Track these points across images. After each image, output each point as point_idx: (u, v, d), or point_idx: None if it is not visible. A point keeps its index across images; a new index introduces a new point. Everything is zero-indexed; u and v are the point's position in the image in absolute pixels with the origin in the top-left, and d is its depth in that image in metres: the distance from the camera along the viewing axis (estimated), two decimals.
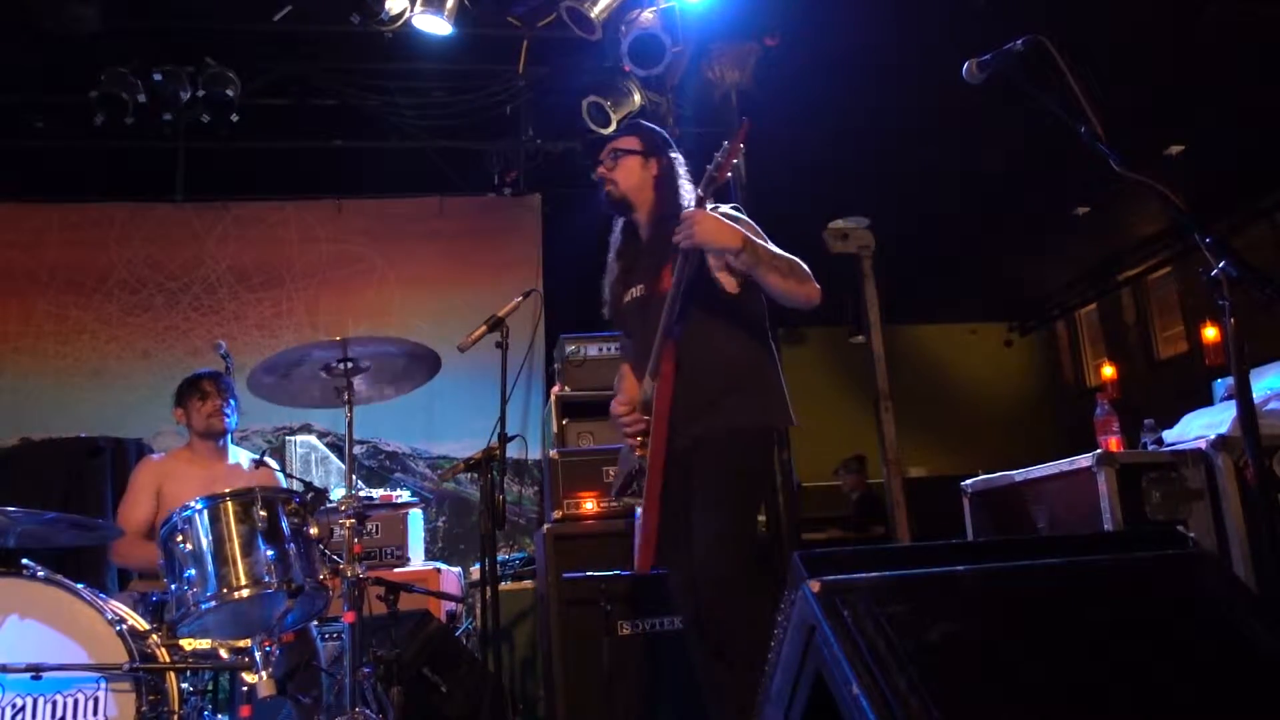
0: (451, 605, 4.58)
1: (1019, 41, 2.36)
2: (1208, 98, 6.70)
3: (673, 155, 3.02)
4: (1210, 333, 9.13)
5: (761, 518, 5.43)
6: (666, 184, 2.96)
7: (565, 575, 3.78)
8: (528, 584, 4.84)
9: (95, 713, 2.61)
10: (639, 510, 2.85)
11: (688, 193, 2.94)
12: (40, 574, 2.70)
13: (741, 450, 2.83)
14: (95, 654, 2.64)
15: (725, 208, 2.91)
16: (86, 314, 6.65)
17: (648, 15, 5.13)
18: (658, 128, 3.18)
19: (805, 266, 2.83)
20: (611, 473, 4.13)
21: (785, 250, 2.86)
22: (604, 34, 5.24)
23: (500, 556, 4.45)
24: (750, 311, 2.94)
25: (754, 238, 2.78)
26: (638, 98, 5.79)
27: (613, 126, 5.78)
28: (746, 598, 2.72)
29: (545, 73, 6.10)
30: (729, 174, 2.75)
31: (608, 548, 3.89)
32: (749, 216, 2.94)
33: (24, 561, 2.74)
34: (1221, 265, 1.97)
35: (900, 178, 7.45)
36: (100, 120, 5.60)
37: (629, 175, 2.99)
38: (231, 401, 3.86)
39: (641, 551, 2.76)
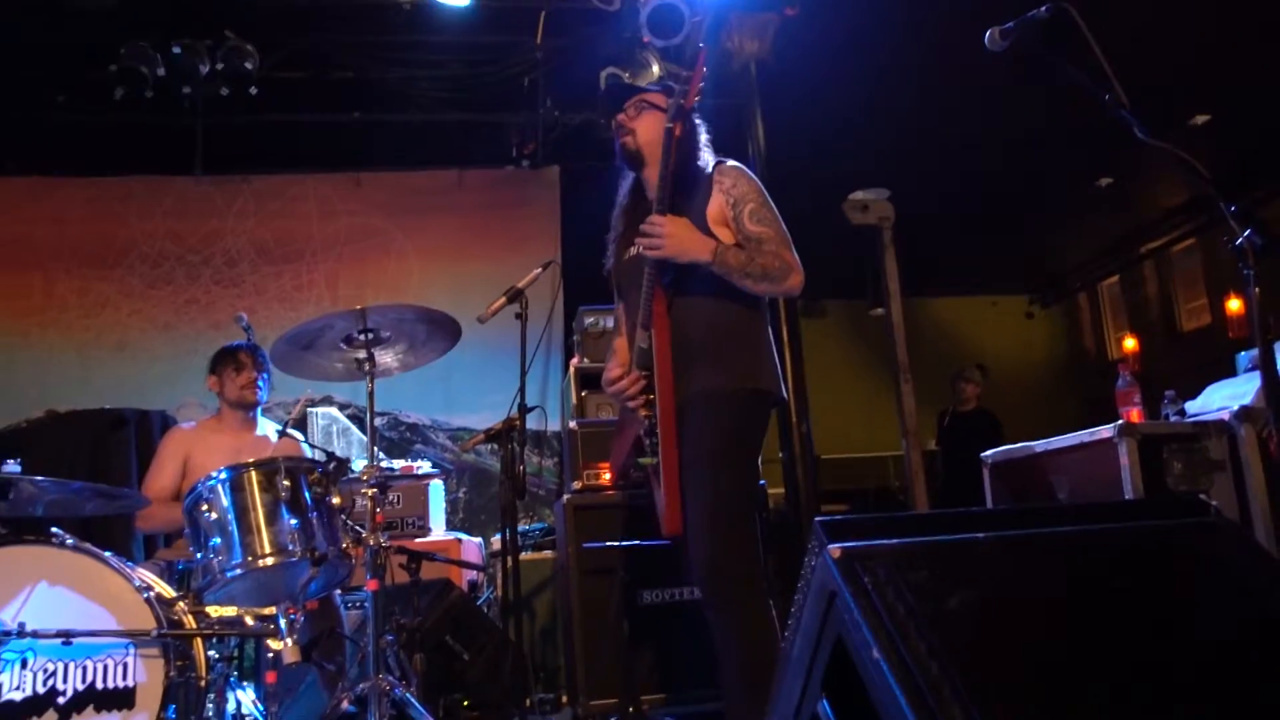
0: (473, 575, 4.62)
1: (1042, 8, 2.33)
2: (1234, 66, 6.60)
3: (697, 121, 2.96)
4: (1234, 305, 9.04)
5: (779, 489, 5.45)
6: (684, 145, 2.85)
7: (585, 545, 3.81)
8: (548, 554, 4.88)
9: (124, 678, 2.66)
10: (654, 477, 2.81)
11: (706, 163, 2.91)
12: (69, 542, 2.75)
13: (729, 412, 2.75)
14: (124, 620, 2.68)
15: (731, 163, 2.89)
16: (109, 287, 6.71)
17: None
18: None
19: (784, 261, 2.76)
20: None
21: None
22: (622, 4, 5.21)
23: (520, 527, 4.48)
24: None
25: (729, 250, 2.74)
26: (656, 68, 5.75)
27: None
28: (734, 581, 2.64)
29: (563, 44, 6.07)
30: (696, 98, 2.76)
31: (627, 518, 3.91)
32: (764, 185, 2.93)
33: (53, 530, 2.78)
34: (1246, 234, 1.95)
35: (921, 149, 7.39)
36: (120, 94, 5.63)
37: (649, 129, 2.90)
38: (265, 375, 3.90)
39: (669, 512, 2.68)
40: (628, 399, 2.85)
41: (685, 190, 2.81)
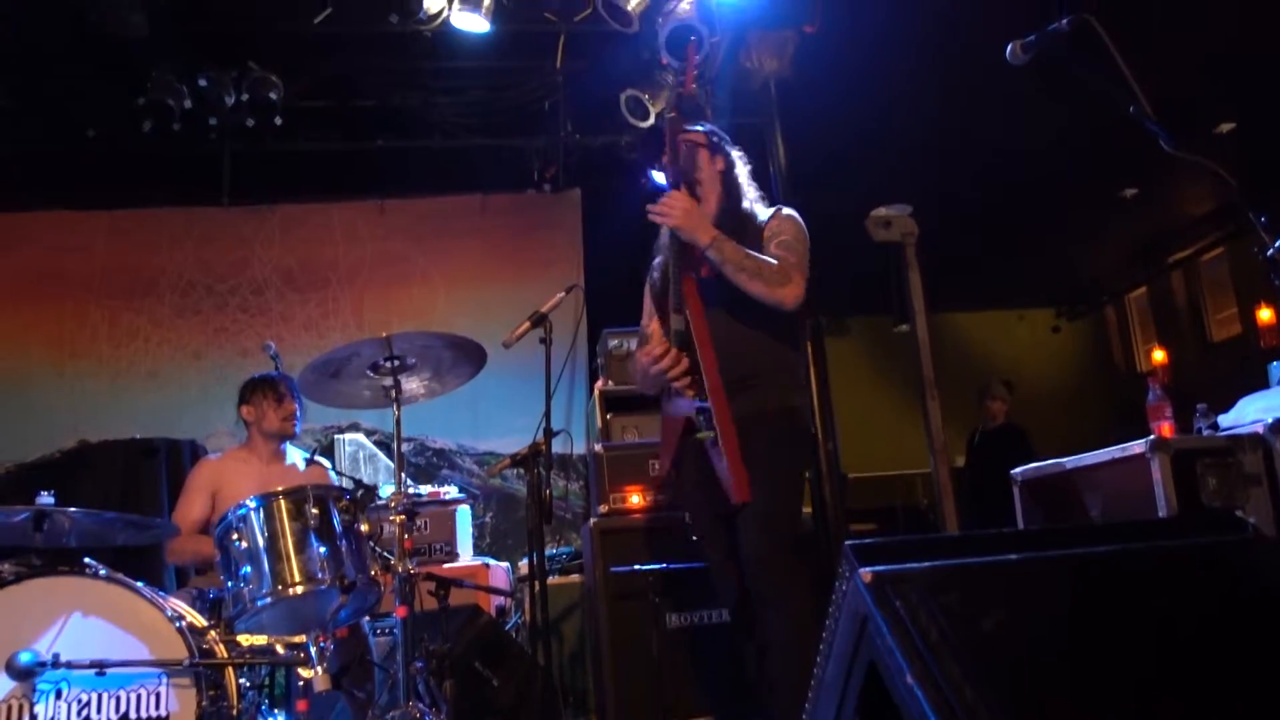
0: (501, 600, 4.62)
1: (1064, 20, 2.32)
2: (1259, 73, 6.54)
3: (735, 153, 3.11)
4: (1265, 314, 8.92)
5: (807, 509, 5.42)
6: (731, 182, 3.05)
7: (613, 569, 3.80)
8: (575, 578, 4.86)
9: (157, 707, 2.67)
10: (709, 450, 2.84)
11: (750, 190, 3.06)
12: (102, 573, 2.77)
13: (781, 429, 2.88)
14: (156, 650, 2.70)
15: (787, 211, 3.01)
16: (139, 317, 6.79)
17: (684, 6, 5.10)
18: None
19: (783, 271, 2.85)
20: (658, 466, 4.13)
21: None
22: (641, 26, 5.23)
23: (548, 551, 4.48)
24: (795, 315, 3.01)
25: (726, 242, 2.83)
26: None
27: (651, 119, 5.77)
28: (788, 582, 2.75)
29: (582, 67, 6.10)
30: (694, 87, 2.95)
31: (654, 541, 3.90)
32: (785, 202, 2.98)
33: (86, 560, 2.80)
34: (1278, 244, 1.93)
35: (943, 163, 7.36)
36: (148, 126, 5.71)
37: (698, 165, 3.05)
38: (301, 406, 3.92)
39: (736, 480, 2.70)
40: (672, 377, 2.86)
41: (735, 232, 2.91)
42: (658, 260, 3.16)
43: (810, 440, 3.02)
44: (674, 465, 3.03)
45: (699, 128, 3.13)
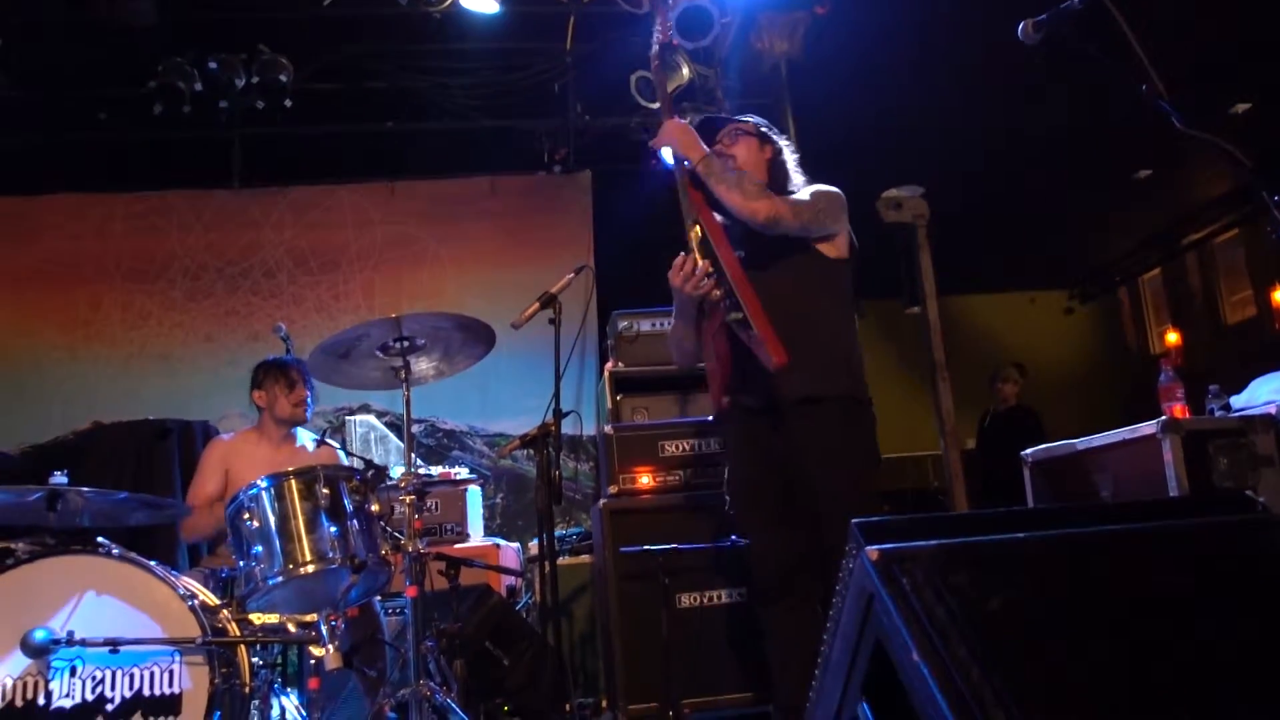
0: (511, 580, 4.64)
1: None
2: (1275, 52, 6.47)
3: (783, 141, 3.21)
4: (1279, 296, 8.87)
5: None
6: (778, 167, 3.14)
7: (623, 549, 3.81)
8: (585, 559, 4.88)
9: (170, 685, 2.70)
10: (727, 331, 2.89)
11: (796, 177, 3.13)
12: (115, 552, 2.79)
13: (858, 414, 2.99)
14: (169, 628, 2.72)
15: (825, 186, 3.10)
16: (151, 300, 6.82)
17: None
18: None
19: (767, 194, 2.97)
20: (668, 447, 4.14)
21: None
22: (651, 7, 5.20)
23: (557, 532, 4.49)
24: (846, 282, 3.09)
25: (714, 160, 3.00)
26: (686, 70, 5.74)
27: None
28: None
29: (592, 48, 6.09)
30: (670, 32, 3.27)
31: (664, 521, 3.91)
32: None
33: (99, 539, 2.83)
34: None
35: (955, 144, 7.31)
36: (159, 110, 5.72)
37: (748, 153, 3.13)
38: (312, 391, 3.93)
39: (772, 344, 2.72)
40: (699, 282, 2.89)
41: None
42: None
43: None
44: (727, 391, 3.01)
45: (749, 119, 3.23)
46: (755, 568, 3.03)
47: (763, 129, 3.21)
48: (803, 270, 2.99)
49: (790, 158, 3.19)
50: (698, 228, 2.92)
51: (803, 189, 3.09)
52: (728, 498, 3.11)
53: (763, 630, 3.05)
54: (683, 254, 2.95)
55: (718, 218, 2.97)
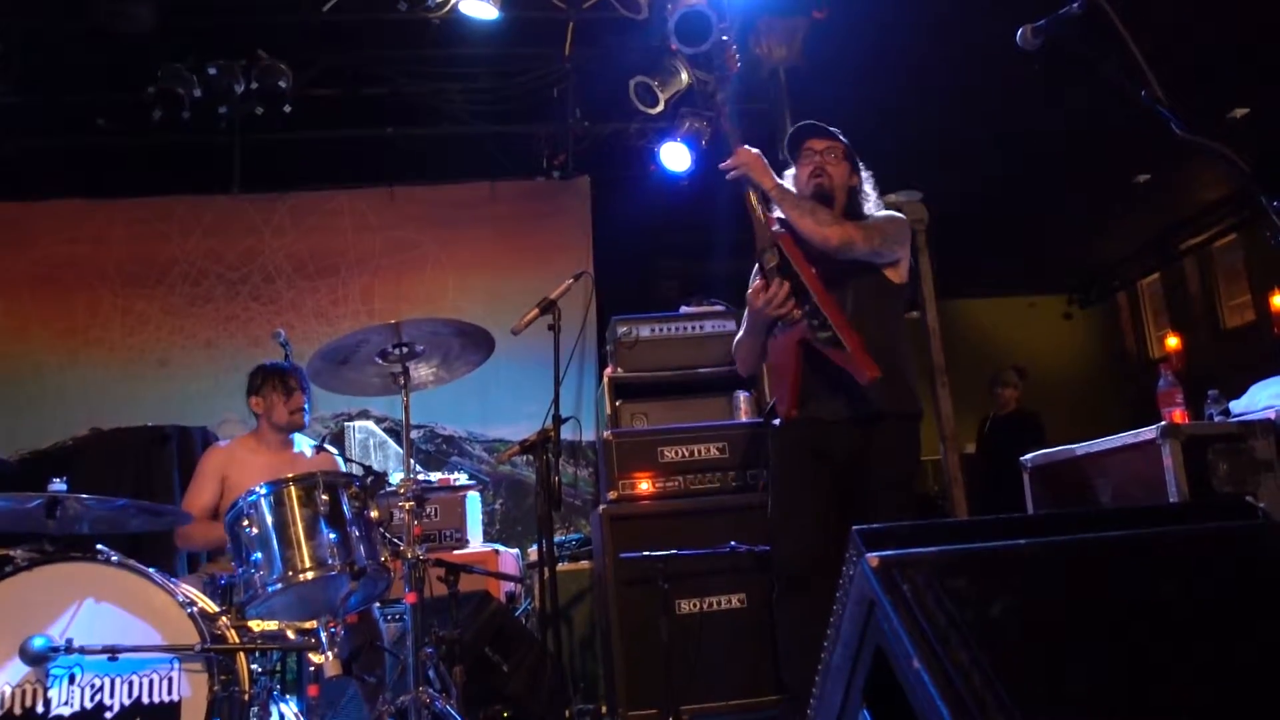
0: (510, 586, 4.63)
1: (1074, 4, 2.30)
2: (1273, 57, 6.48)
3: (863, 171, 3.39)
4: (1279, 301, 8.87)
5: None
6: (856, 193, 3.34)
7: (622, 555, 3.81)
8: (585, 564, 4.88)
9: (169, 692, 2.69)
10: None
11: (869, 206, 3.32)
12: (114, 559, 2.78)
13: (916, 429, 3.21)
14: (168, 636, 2.71)
15: (891, 212, 3.32)
16: (151, 306, 6.81)
17: None
18: None
19: (839, 221, 3.16)
20: (667, 453, 4.14)
21: None
22: (650, 13, 5.21)
23: (557, 538, 4.49)
24: (903, 305, 3.34)
25: (788, 190, 3.22)
26: (685, 76, 5.75)
27: (660, 106, 5.75)
28: None
29: (591, 54, 6.09)
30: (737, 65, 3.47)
31: (664, 527, 3.91)
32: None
33: (98, 547, 2.82)
34: None
35: (953, 149, 7.32)
36: (158, 116, 5.72)
37: (841, 174, 3.31)
38: (310, 397, 3.92)
39: (864, 361, 2.89)
40: (779, 302, 3.05)
41: None
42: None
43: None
44: (797, 404, 3.14)
45: (843, 139, 3.37)
46: (793, 560, 3.12)
47: (850, 152, 3.37)
48: (869, 292, 3.17)
49: (870, 188, 3.37)
50: (775, 252, 3.08)
51: (873, 214, 3.29)
52: (771, 495, 3.29)
53: (778, 621, 3.22)
54: (760, 277, 3.12)
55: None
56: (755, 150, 3.23)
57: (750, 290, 3.19)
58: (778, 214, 3.21)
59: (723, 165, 3.25)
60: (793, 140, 3.38)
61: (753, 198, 3.18)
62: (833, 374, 3.03)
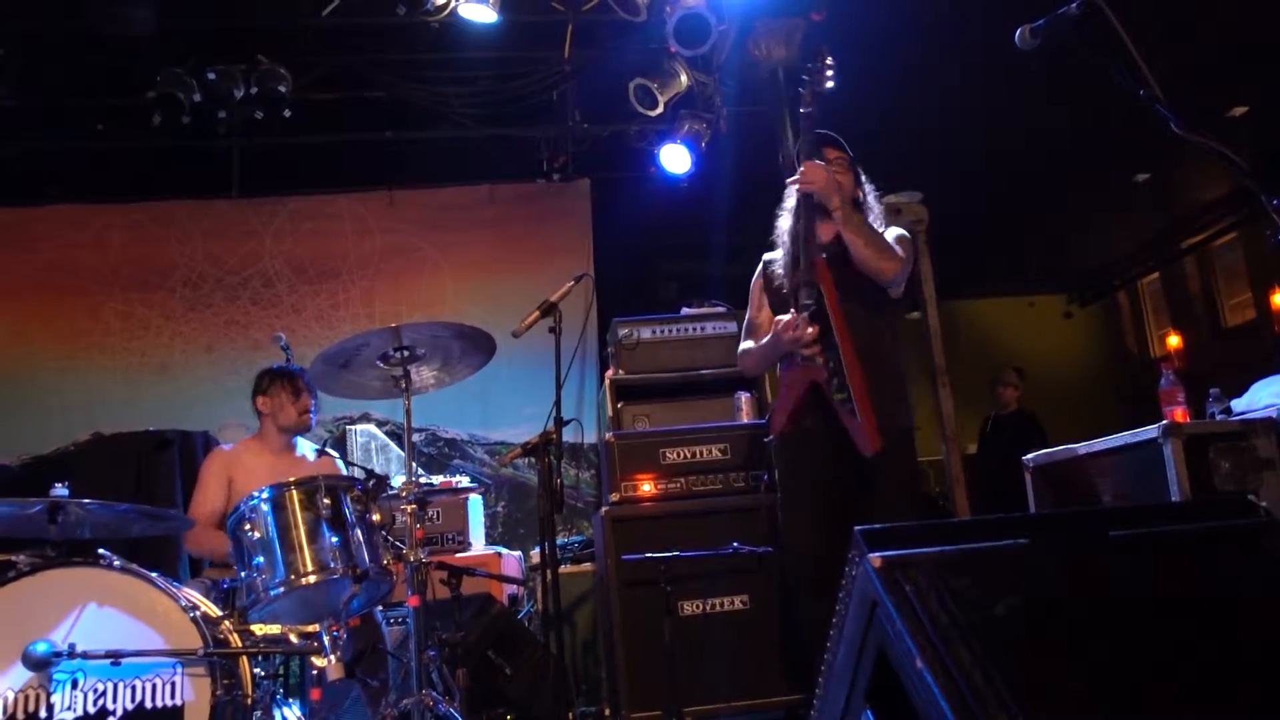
0: (513, 589, 4.63)
1: (1073, 4, 2.30)
2: (1272, 56, 6.48)
3: (867, 184, 3.48)
4: (1279, 299, 8.87)
5: None
6: (861, 206, 3.40)
7: (625, 557, 3.80)
8: (587, 566, 4.87)
9: (172, 697, 2.69)
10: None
11: (876, 215, 3.41)
12: (117, 563, 2.78)
13: (912, 441, 3.30)
14: (171, 640, 2.71)
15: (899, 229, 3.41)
16: (151, 310, 6.82)
17: None
18: None
19: (891, 247, 3.24)
20: (669, 455, 4.14)
21: None
22: (649, 15, 5.22)
23: (559, 540, 4.49)
24: (898, 320, 3.44)
25: (855, 213, 3.28)
26: (684, 78, 5.76)
27: (660, 109, 5.76)
28: None
29: (591, 56, 6.09)
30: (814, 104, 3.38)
31: (666, 529, 3.90)
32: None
33: (100, 551, 2.82)
34: None
35: (953, 149, 7.32)
36: (158, 120, 5.72)
37: (848, 184, 3.39)
38: (316, 400, 3.92)
39: (873, 433, 3.03)
40: (806, 343, 3.15)
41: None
42: (777, 256, 3.45)
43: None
44: (791, 421, 3.30)
45: (849, 152, 3.46)
46: (806, 564, 3.22)
47: (856, 166, 3.46)
48: (875, 308, 3.27)
49: (875, 203, 3.45)
50: (814, 293, 3.13)
51: (882, 230, 3.35)
52: (780, 503, 3.40)
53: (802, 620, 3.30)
54: (793, 312, 3.17)
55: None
56: (824, 165, 3.27)
57: (780, 322, 3.22)
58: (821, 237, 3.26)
59: (789, 180, 3.31)
60: (810, 147, 3.39)
61: (803, 218, 3.23)
62: (833, 411, 3.16)
